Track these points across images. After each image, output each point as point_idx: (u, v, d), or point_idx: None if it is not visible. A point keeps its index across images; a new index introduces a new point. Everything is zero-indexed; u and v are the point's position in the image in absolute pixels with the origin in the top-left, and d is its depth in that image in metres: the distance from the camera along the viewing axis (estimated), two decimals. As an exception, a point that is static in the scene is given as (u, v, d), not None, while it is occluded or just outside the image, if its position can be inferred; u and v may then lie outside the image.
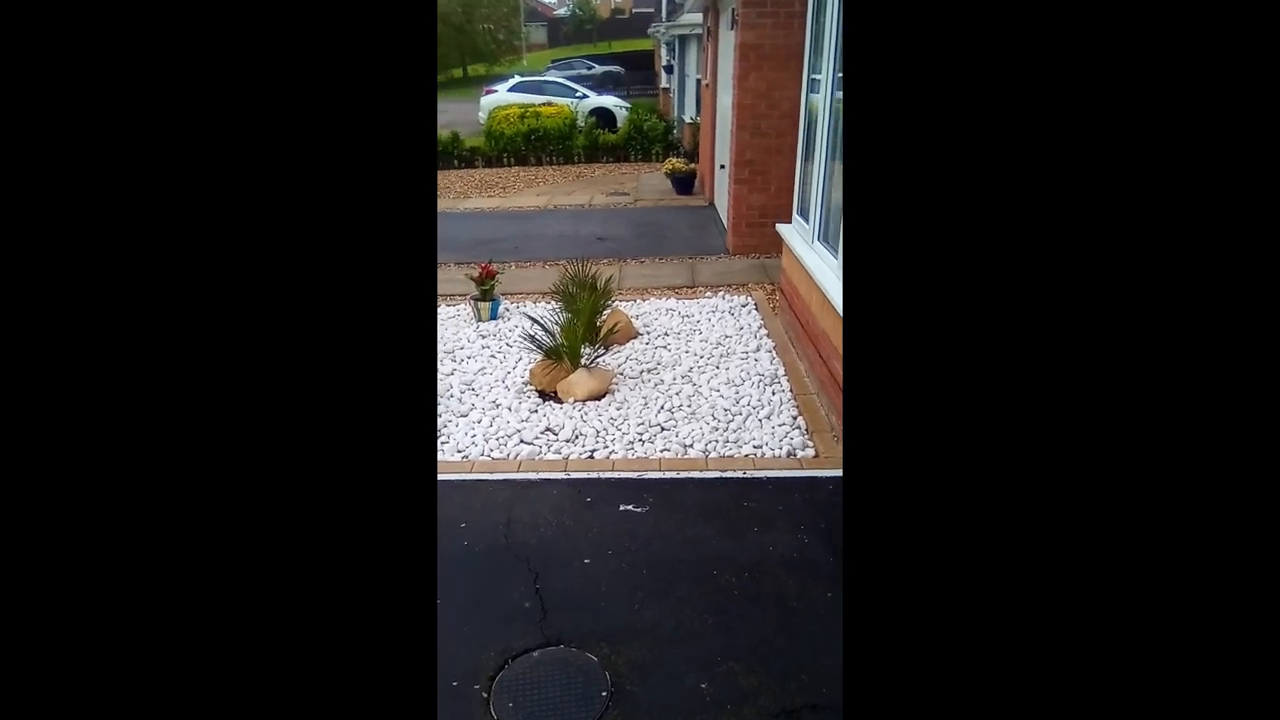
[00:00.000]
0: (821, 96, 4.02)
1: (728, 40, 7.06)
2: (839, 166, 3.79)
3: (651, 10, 27.38)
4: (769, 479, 3.26)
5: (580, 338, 4.12)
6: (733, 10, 6.46)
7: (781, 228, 4.88)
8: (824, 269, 3.89)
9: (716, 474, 3.31)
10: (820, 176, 4.12)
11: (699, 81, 10.60)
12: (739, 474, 3.30)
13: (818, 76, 4.14)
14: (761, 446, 3.51)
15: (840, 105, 3.79)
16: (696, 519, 2.98)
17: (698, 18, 10.16)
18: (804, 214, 4.52)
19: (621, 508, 3.07)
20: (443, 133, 12.06)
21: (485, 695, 2.17)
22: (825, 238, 4.11)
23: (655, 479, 3.28)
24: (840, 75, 3.76)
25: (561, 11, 44.47)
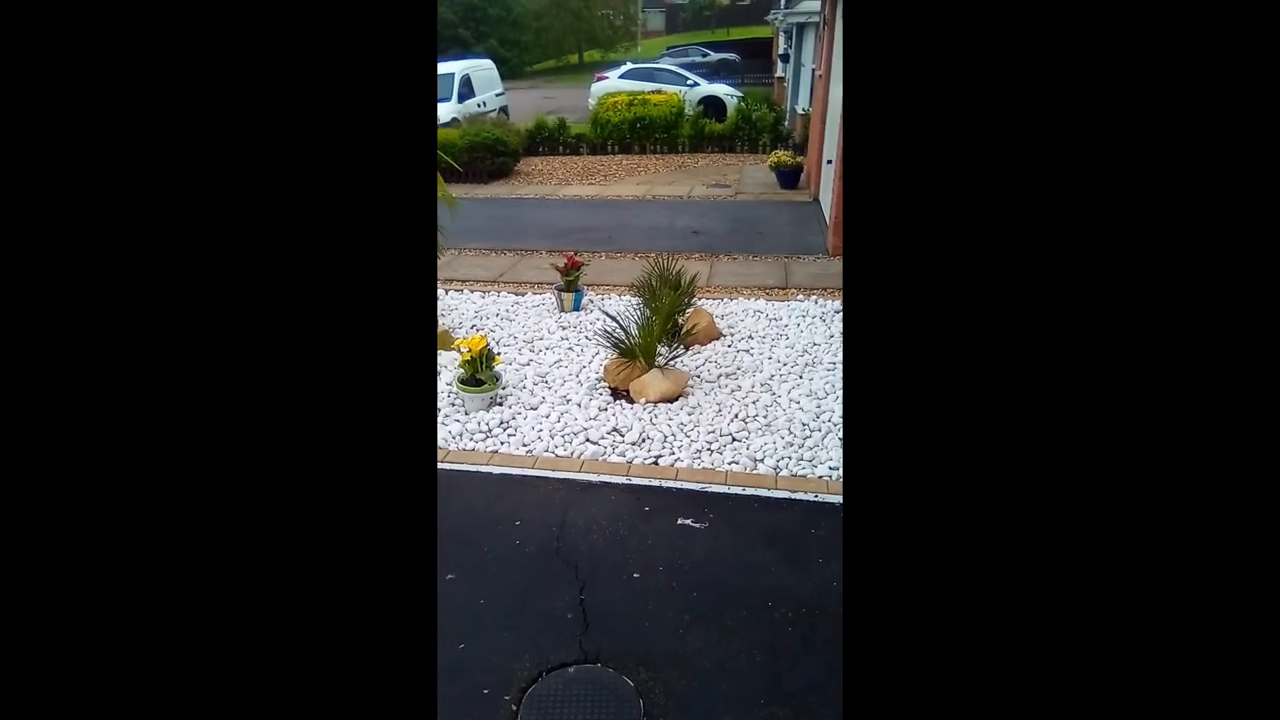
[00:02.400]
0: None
1: (843, 29, 6.69)
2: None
3: (772, -4, 26.66)
4: (842, 506, 3.03)
5: (656, 337, 4.00)
6: (850, -3, 6.10)
7: (883, 232, 4.56)
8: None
9: (785, 494, 3.12)
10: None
11: (814, 71, 10.17)
12: (809, 497, 3.09)
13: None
14: (838, 468, 3.28)
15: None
16: (757, 542, 2.81)
17: (815, 5, 9.73)
18: (908, 218, 4.20)
19: (680, 521, 2.94)
20: (550, 119, 12.19)
21: (515, 708, 2.11)
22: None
23: (719, 493, 3.13)
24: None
25: (681, -2, 44.10)
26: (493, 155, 10.02)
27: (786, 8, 13.99)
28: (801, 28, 12.82)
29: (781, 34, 17.22)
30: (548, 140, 12.02)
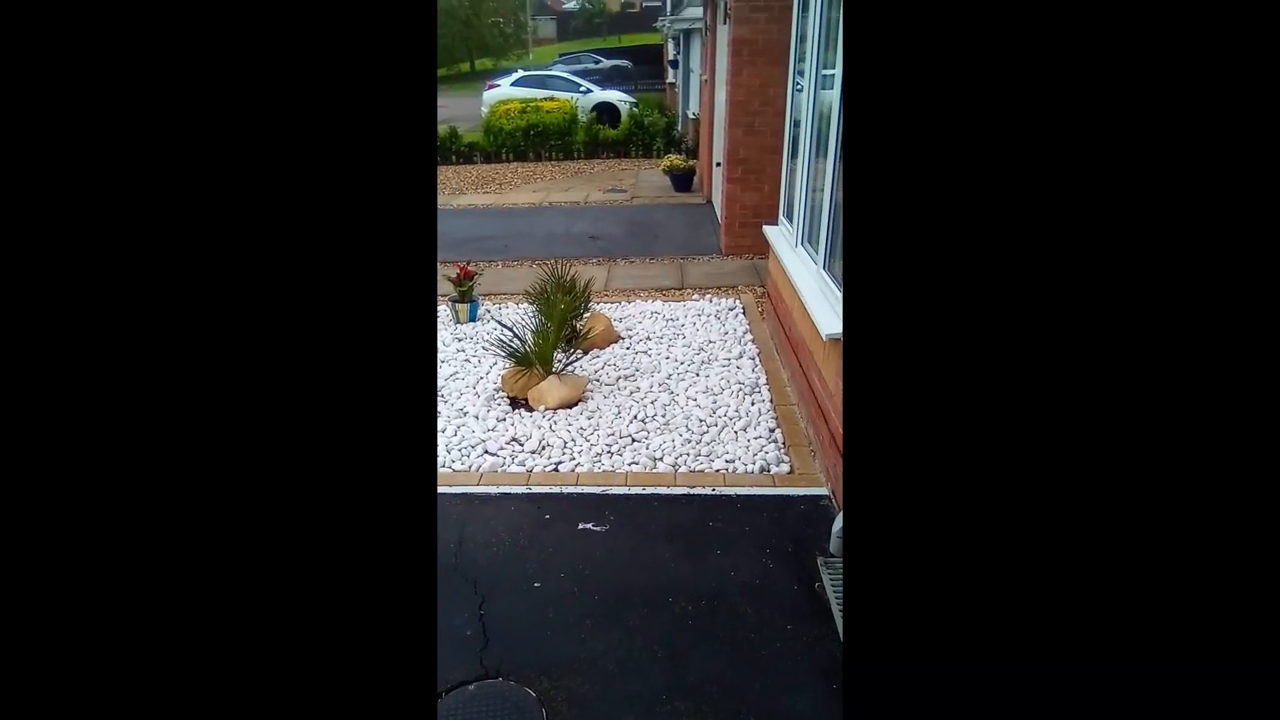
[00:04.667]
0: (806, 94, 3.85)
1: (724, 35, 6.89)
2: (823, 166, 3.62)
3: (660, 3, 27.18)
4: (738, 496, 3.11)
5: (552, 343, 3.98)
6: (725, 4, 6.29)
7: (768, 230, 4.72)
8: (804, 275, 3.73)
9: (684, 490, 3.16)
10: (804, 177, 3.95)
11: (701, 77, 10.42)
12: (707, 491, 3.15)
13: (801, 73, 3.97)
14: (734, 461, 3.36)
15: (824, 103, 3.63)
16: (657, 540, 2.84)
17: (699, 12, 9.97)
18: (790, 216, 4.36)
19: (580, 526, 2.93)
20: (441, 128, 11.93)
21: (412, 733, 2.04)
22: (809, 240, 3.95)
23: (619, 495, 3.14)
24: (825, 73, 3.60)
25: (571, 5, 44.23)
26: (381, 166, 9.71)
27: (672, 14, 14.27)
28: (689, 34, 13.09)
29: (670, 40, 17.55)
30: (440, 150, 11.76)
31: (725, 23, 6.36)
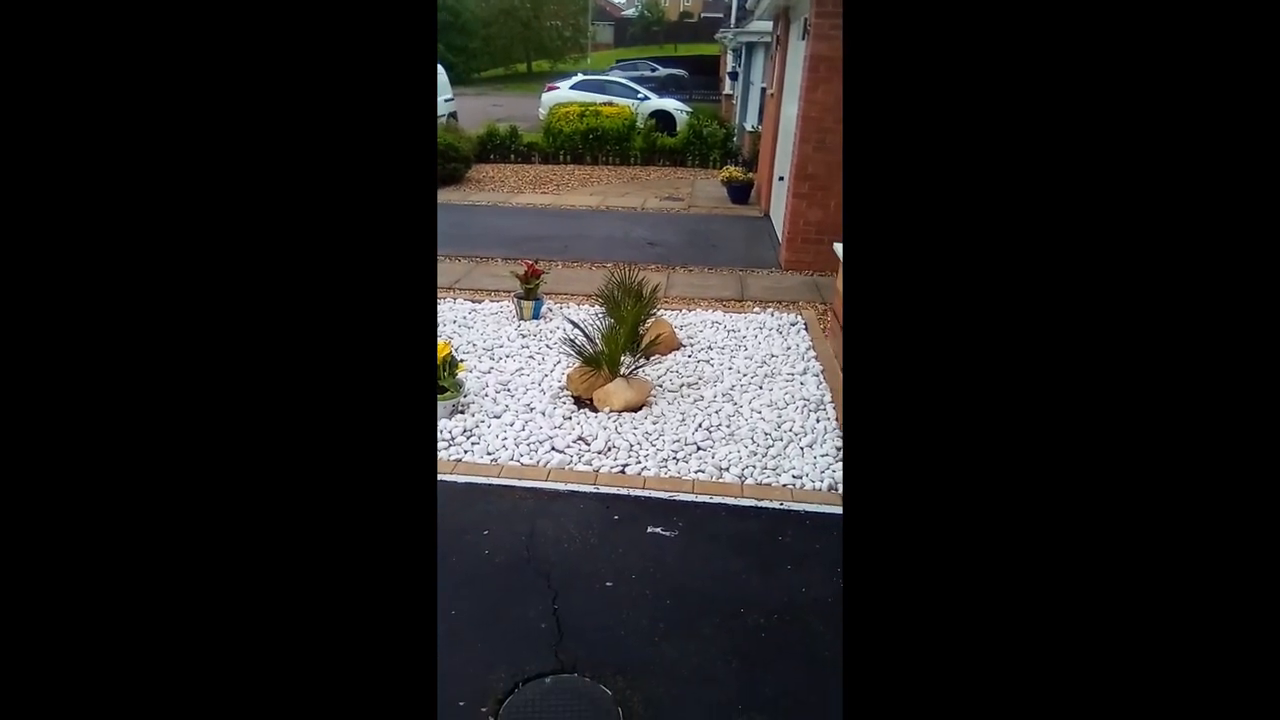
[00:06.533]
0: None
1: (798, 50, 6.89)
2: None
3: (720, 15, 27.28)
4: (807, 513, 3.10)
5: (621, 347, 4.01)
6: (805, 20, 6.29)
7: (839, 247, 4.70)
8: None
9: (751, 502, 3.16)
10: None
11: (764, 90, 10.43)
12: (775, 505, 3.15)
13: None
14: (801, 477, 3.35)
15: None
16: (727, 550, 2.84)
17: (767, 25, 9.99)
18: (864, 235, 4.34)
19: (649, 530, 2.95)
20: (501, 126, 12.11)
21: (492, 719, 2.08)
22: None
23: (687, 501, 3.15)
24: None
25: (629, 12, 44.62)
26: (444, 161, 9.89)
27: (737, 27, 14.31)
28: (751, 47, 13.12)
29: (730, 52, 17.59)
30: (499, 148, 11.94)
31: (804, 38, 6.36)
